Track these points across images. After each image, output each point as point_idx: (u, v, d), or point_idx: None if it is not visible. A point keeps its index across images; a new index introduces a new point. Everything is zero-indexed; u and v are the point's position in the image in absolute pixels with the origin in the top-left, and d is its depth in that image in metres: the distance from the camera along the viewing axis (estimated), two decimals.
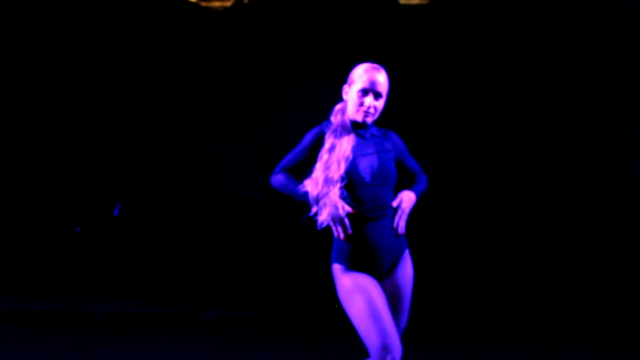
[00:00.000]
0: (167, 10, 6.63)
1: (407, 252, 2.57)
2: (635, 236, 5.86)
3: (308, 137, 2.54)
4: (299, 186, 2.49)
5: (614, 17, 6.19)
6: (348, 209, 2.41)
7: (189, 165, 6.64)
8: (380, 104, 2.52)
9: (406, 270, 2.54)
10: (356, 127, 2.53)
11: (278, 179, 2.57)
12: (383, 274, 2.49)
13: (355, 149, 2.49)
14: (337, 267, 2.49)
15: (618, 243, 5.95)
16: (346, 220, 2.41)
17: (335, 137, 2.49)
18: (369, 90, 2.49)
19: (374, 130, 2.57)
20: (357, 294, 2.39)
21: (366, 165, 2.48)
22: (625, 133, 6.16)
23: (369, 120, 2.52)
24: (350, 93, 2.52)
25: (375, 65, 2.55)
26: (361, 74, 2.51)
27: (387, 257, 2.49)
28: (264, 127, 6.67)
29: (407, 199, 2.53)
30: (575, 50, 6.36)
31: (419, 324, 4.24)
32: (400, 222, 2.49)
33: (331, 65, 6.34)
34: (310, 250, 5.86)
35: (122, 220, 6.33)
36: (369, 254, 2.46)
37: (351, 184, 2.46)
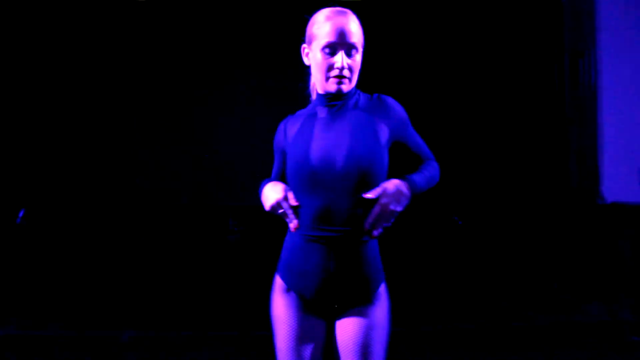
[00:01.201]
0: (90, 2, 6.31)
1: (382, 288, 1.88)
2: (572, 240, 5.97)
3: (274, 144, 1.97)
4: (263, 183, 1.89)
5: (550, 20, 6.27)
6: (291, 199, 1.75)
7: (104, 167, 6.29)
8: (357, 61, 1.85)
9: (376, 313, 1.84)
10: (331, 101, 1.86)
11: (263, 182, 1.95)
12: (337, 310, 1.86)
13: (314, 132, 1.82)
14: (277, 279, 1.90)
15: (557, 248, 6.03)
16: (290, 211, 1.76)
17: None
18: (337, 44, 1.82)
19: (361, 99, 1.90)
20: (281, 326, 1.85)
21: (324, 151, 1.79)
22: (562, 140, 6.23)
23: (346, 88, 1.84)
24: (313, 54, 1.85)
25: (340, 9, 1.87)
26: (322, 24, 1.83)
27: (347, 291, 1.83)
28: (191, 125, 6.43)
29: (392, 190, 1.74)
30: (514, 58, 6.41)
31: None
32: (373, 223, 1.74)
33: (267, 62, 6.29)
34: (240, 260, 5.77)
35: (25, 229, 5.93)
36: (319, 284, 1.82)
37: (301, 181, 1.80)
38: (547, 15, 6.26)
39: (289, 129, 1.91)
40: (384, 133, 1.86)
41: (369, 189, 1.76)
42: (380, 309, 1.87)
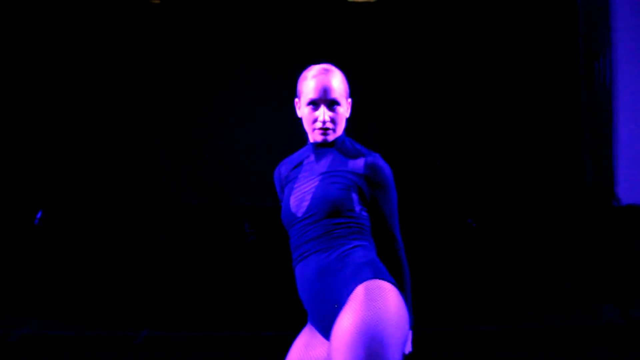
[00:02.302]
0: (98, 3, 6.37)
1: (356, 294, 1.83)
2: (588, 242, 5.96)
3: (276, 187, 2.20)
4: None
5: (565, 22, 6.27)
6: None
7: (120, 169, 6.37)
8: (340, 112, 2.04)
9: (341, 324, 1.79)
10: (319, 148, 2.09)
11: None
12: (324, 330, 1.95)
13: (298, 176, 2.08)
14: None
15: (572, 250, 6.02)
16: None
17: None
18: (320, 100, 2.02)
19: (345, 144, 2.09)
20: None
21: (300, 193, 2.05)
22: (577, 142, 6.23)
23: (330, 137, 2.04)
24: (302, 109, 2.07)
25: (324, 67, 2.07)
26: (308, 81, 2.04)
27: (317, 308, 1.95)
28: (201, 128, 6.47)
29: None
30: (529, 59, 6.41)
31: None
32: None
33: (276, 65, 6.34)
34: (256, 262, 5.81)
35: (43, 230, 6.03)
36: (305, 303, 2.03)
37: (285, 220, 2.07)
38: (562, 16, 6.25)
39: (283, 173, 2.17)
40: (346, 179, 2.03)
41: (337, 223, 1.98)
42: (352, 316, 1.80)
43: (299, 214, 2.00)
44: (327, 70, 2.06)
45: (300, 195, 2.03)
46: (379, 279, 1.86)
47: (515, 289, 5.75)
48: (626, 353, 4.60)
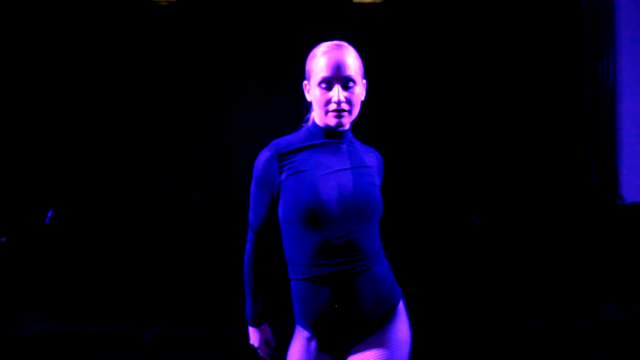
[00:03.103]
0: (107, 4, 6.40)
1: (399, 307, 1.84)
2: (592, 240, 5.95)
3: (261, 176, 1.80)
4: (252, 296, 1.87)
5: (570, 22, 6.28)
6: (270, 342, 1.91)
7: (127, 170, 6.42)
8: (356, 93, 1.79)
9: (392, 335, 1.80)
10: (330, 136, 1.82)
11: (246, 259, 1.89)
12: (350, 342, 1.81)
13: (319, 166, 1.77)
14: (298, 329, 1.88)
15: (576, 248, 6.01)
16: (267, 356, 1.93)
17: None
18: (333, 78, 1.77)
19: (355, 141, 1.89)
20: None
21: (333, 186, 1.75)
22: (582, 137, 6.24)
23: (346, 121, 1.80)
24: (312, 90, 1.81)
25: (337, 43, 1.83)
26: (318, 59, 1.80)
27: (360, 325, 1.78)
28: (206, 127, 6.51)
29: None
30: (535, 59, 6.42)
31: None
32: None
33: (281, 65, 6.38)
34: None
35: (54, 229, 6.02)
36: (329, 322, 1.77)
37: (312, 219, 1.73)
38: (567, 18, 6.27)
39: (283, 162, 1.80)
40: (374, 175, 1.86)
41: (367, 224, 1.79)
42: (396, 329, 1.82)
43: (335, 211, 1.73)
44: (339, 46, 1.82)
45: (333, 186, 1.75)
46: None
47: (519, 287, 5.74)
48: (629, 351, 4.58)
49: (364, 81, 1.85)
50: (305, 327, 1.82)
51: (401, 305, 1.88)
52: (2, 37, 6.23)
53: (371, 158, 1.88)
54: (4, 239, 5.78)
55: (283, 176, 1.78)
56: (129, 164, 6.43)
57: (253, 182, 1.84)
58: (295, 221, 1.76)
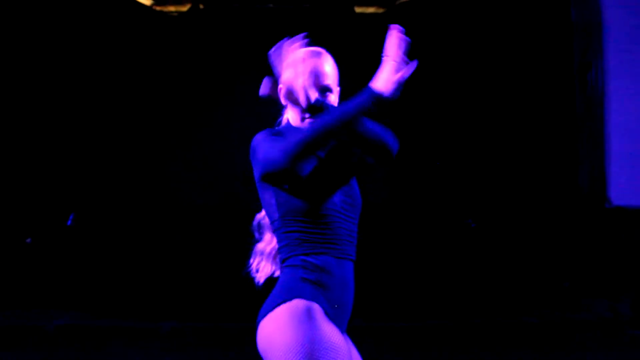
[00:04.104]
0: (119, 13, 6.52)
1: None
2: (581, 242, 6.08)
3: (268, 133, 1.88)
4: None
5: (560, 31, 6.40)
6: None
7: (143, 173, 6.56)
8: (332, 100, 1.83)
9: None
10: None
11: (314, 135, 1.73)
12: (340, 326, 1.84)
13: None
14: (300, 306, 1.73)
15: (567, 249, 6.15)
16: None
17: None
18: (332, 86, 1.83)
19: None
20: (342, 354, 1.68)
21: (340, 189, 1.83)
22: (573, 144, 6.33)
23: None
24: (301, 90, 1.80)
25: (316, 50, 1.85)
26: (311, 61, 1.82)
27: (349, 312, 1.86)
28: (218, 133, 6.61)
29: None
30: (528, 69, 6.54)
31: (368, 333, 4.30)
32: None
33: None
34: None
35: (75, 230, 6.22)
36: (344, 300, 1.82)
37: (325, 216, 1.79)
38: (559, 31, 6.42)
39: None
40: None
41: (357, 215, 1.89)
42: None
43: (342, 210, 1.81)
44: (320, 54, 1.85)
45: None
46: None
47: (512, 286, 5.87)
48: (612, 343, 4.84)
49: (338, 88, 1.88)
50: (317, 298, 1.77)
51: None
52: (27, 46, 6.38)
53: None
54: (29, 240, 6.02)
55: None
56: (143, 170, 6.56)
57: (266, 136, 1.86)
58: (301, 211, 1.80)
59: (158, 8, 6.68)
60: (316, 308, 1.74)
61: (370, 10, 6.73)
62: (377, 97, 1.73)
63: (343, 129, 1.73)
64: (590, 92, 6.32)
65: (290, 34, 1.88)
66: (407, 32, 1.83)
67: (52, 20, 6.42)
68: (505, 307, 5.56)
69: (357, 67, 6.30)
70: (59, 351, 4.63)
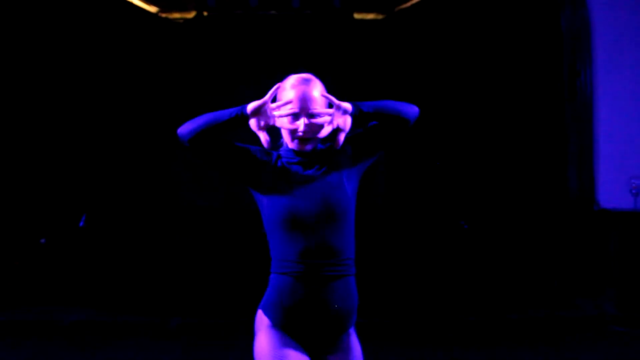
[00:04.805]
0: (124, 19, 6.62)
1: (353, 330, 2.01)
2: (569, 243, 6.19)
3: (244, 144, 2.05)
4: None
5: (550, 43, 6.49)
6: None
7: (151, 175, 6.68)
8: (321, 120, 1.94)
9: (354, 343, 1.97)
10: (301, 155, 2.00)
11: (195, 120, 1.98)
12: (323, 344, 1.93)
13: (295, 177, 1.95)
14: (260, 316, 1.96)
15: (555, 250, 6.26)
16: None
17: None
18: (300, 112, 1.94)
19: (328, 148, 2.03)
20: None
21: (307, 197, 1.92)
22: (562, 147, 6.40)
23: (310, 145, 1.97)
24: (280, 120, 1.94)
25: (303, 77, 1.98)
26: (287, 92, 1.96)
27: (331, 330, 1.92)
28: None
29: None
30: (519, 75, 6.66)
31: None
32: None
33: (285, 78, 6.49)
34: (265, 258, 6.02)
35: (87, 231, 6.34)
36: (306, 319, 1.89)
37: (291, 225, 1.89)
38: (549, 39, 6.54)
39: (261, 168, 1.98)
40: (344, 173, 2.00)
41: (341, 231, 1.94)
42: (356, 340, 1.99)
43: (311, 219, 1.90)
44: (307, 81, 1.96)
45: (307, 196, 1.91)
46: None
47: (503, 286, 5.97)
48: (597, 340, 5.00)
49: (332, 109, 1.96)
50: (274, 316, 1.92)
51: (353, 329, 2.01)
52: (37, 54, 6.49)
53: (344, 159, 2.00)
54: (43, 240, 6.16)
55: (262, 174, 1.97)
56: (151, 173, 6.69)
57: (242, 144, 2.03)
58: (277, 226, 1.93)
59: (164, 15, 6.79)
60: (267, 322, 1.93)
61: (370, 16, 6.79)
62: (243, 114, 1.96)
63: (215, 129, 2.01)
64: (579, 99, 6.35)
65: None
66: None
67: (61, 26, 6.51)
68: (500, 306, 5.68)
69: (356, 72, 6.49)
70: (72, 344, 4.80)
